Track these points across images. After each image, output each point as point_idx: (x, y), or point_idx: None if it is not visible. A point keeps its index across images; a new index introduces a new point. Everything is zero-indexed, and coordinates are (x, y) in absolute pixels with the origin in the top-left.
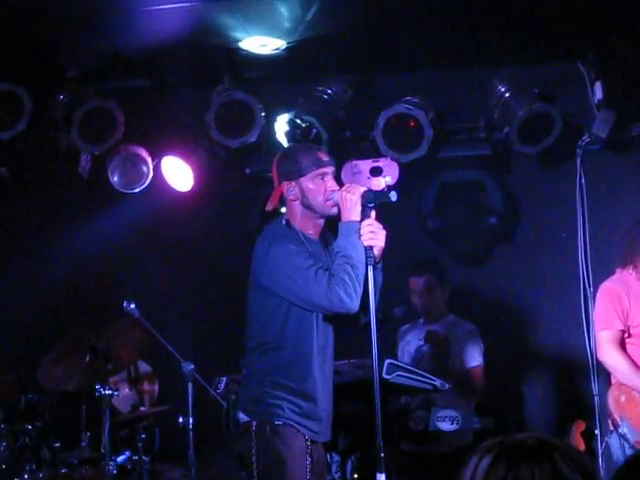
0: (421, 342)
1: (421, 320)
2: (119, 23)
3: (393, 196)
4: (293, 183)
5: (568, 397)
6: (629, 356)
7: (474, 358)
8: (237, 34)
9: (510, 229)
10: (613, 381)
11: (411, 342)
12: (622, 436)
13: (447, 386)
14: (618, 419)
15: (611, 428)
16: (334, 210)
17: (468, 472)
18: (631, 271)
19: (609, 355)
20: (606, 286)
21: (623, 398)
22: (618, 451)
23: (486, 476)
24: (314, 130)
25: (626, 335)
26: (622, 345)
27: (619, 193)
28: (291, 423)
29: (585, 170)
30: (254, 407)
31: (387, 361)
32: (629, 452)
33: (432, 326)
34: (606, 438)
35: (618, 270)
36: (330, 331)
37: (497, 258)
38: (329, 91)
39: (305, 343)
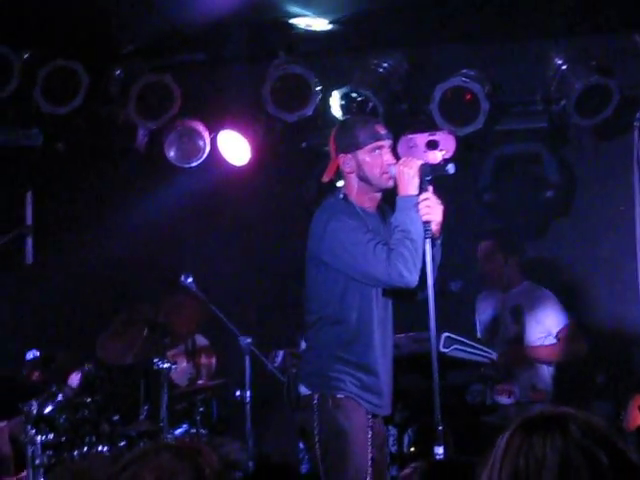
0: (496, 311)
1: (494, 291)
2: None
3: (451, 168)
4: (350, 156)
5: (628, 370)
6: None
7: (559, 320)
8: (293, 9)
9: (567, 202)
10: None
11: (487, 309)
12: None
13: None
14: None
15: None
16: (390, 183)
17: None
18: None
19: None
20: None
21: None
22: None
23: (505, 448)
24: (370, 104)
25: None
26: None
27: None
28: (353, 396)
29: None
30: (316, 380)
31: (444, 334)
32: None
33: (501, 296)
34: None
35: None
36: (389, 305)
37: (554, 231)
38: (385, 64)
39: (365, 317)
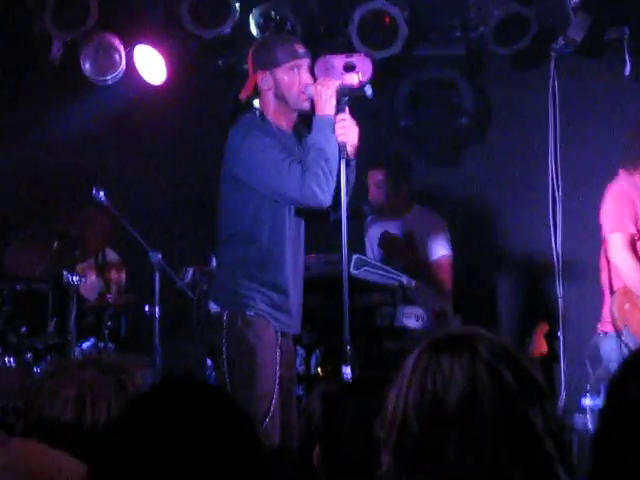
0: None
1: (389, 216)
2: None
3: (368, 90)
4: (267, 73)
5: (534, 299)
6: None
7: (440, 248)
8: None
9: (481, 130)
10: (616, 287)
11: (374, 238)
12: (625, 344)
13: (413, 282)
14: (621, 326)
15: (605, 330)
16: (307, 104)
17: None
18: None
19: (620, 257)
20: (616, 187)
21: (627, 306)
22: (613, 353)
23: (413, 366)
24: (288, 23)
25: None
26: (634, 249)
27: (591, 96)
28: (262, 314)
29: (558, 73)
30: (226, 298)
31: (355, 256)
32: None
33: (392, 223)
34: (595, 338)
35: (622, 171)
36: (301, 225)
37: (467, 159)
38: None
39: (278, 236)
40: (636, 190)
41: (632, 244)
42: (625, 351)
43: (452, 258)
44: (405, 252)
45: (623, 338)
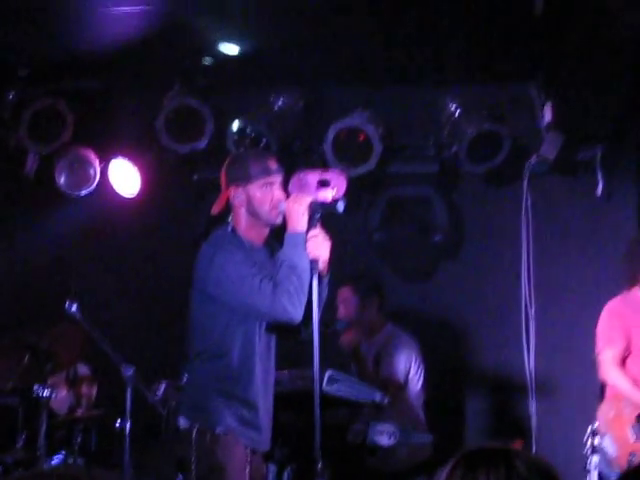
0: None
1: (363, 340)
2: (71, 23)
3: (340, 206)
4: (240, 189)
5: (506, 416)
6: (628, 373)
7: (392, 367)
8: (191, 41)
9: (455, 247)
10: (606, 395)
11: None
12: (600, 450)
13: (386, 400)
14: (600, 432)
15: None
16: (279, 220)
17: None
18: (634, 287)
19: (610, 374)
20: (609, 305)
21: (612, 414)
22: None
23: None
24: (264, 139)
25: (626, 352)
26: (623, 362)
27: (564, 216)
28: (232, 431)
29: (532, 191)
30: (195, 414)
31: (328, 373)
32: (605, 469)
33: (364, 344)
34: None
35: (625, 291)
36: (272, 340)
37: (441, 275)
38: (280, 101)
39: (247, 351)
40: (631, 303)
41: (621, 358)
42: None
43: (420, 375)
44: (372, 375)
45: (598, 443)
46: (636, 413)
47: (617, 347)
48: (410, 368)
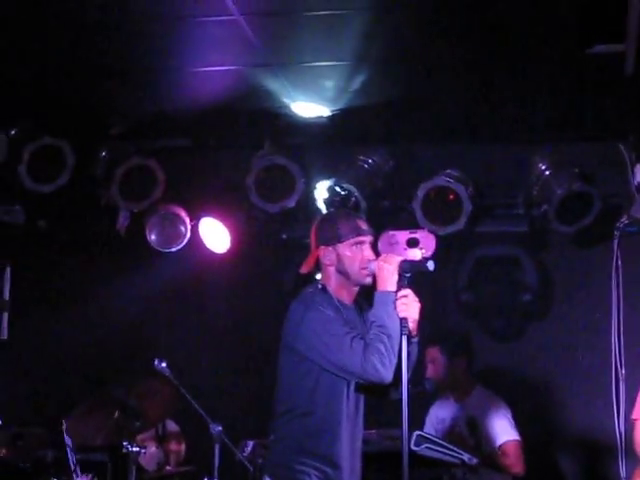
0: (446, 420)
1: (451, 398)
2: (163, 81)
3: (430, 265)
4: (330, 248)
5: (596, 479)
6: None
7: (505, 433)
8: (281, 99)
9: (544, 307)
10: None
11: (445, 419)
12: None
13: (475, 461)
14: None
15: None
16: (369, 280)
17: None
18: None
19: (636, 448)
20: None
21: None
22: None
23: None
24: (353, 198)
25: None
26: None
27: None
28: None
29: (622, 252)
30: (280, 472)
31: (416, 433)
32: None
33: (454, 405)
34: None
35: None
36: (361, 400)
37: (530, 336)
38: (370, 160)
39: (334, 410)
40: None
41: None
42: None
43: (519, 442)
44: (467, 443)
45: None
46: None
47: None
48: (507, 433)
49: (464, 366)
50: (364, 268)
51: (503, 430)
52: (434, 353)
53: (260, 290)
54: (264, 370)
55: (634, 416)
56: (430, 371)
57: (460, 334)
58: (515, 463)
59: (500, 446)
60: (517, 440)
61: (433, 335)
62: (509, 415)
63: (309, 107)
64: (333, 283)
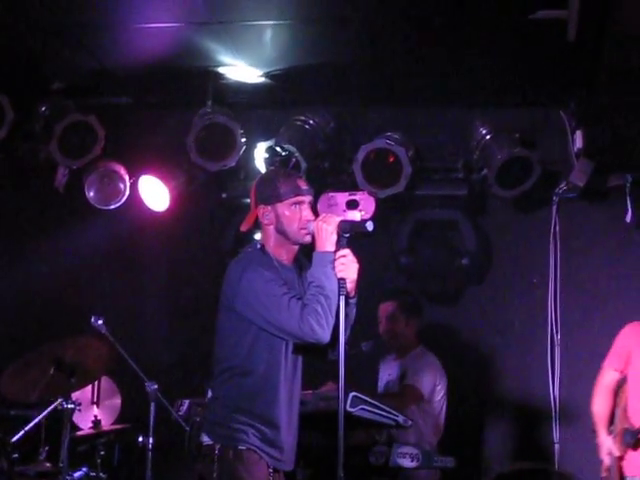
0: (390, 377)
1: (393, 355)
2: (105, 38)
3: (369, 226)
4: (269, 208)
5: (529, 443)
6: (614, 401)
7: (416, 381)
8: (223, 59)
9: (482, 271)
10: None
11: (382, 378)
12: None
13: (409, 422)
14: None
15: None
16: (307, 239)
17: None
18: None
19: (595, 392)
20: (625, 327)
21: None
22: None
23: None
24: (293, 159)
25: (629, 375)
26: (617, 384)
27: (592, 242)
28: (254, 449)
29: (560, 218)
30: (218, 431)
31: (352, 394)
32: None
33: (395, 363)
34: None
35: None
36: (299, 361)
37: (467, 298)
38: (311, 121)
39: (273, 370)
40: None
41: (615, 380)
42: None
43: (419, 393)
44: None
45: None
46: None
47: (611, 367)
48: (434, 389)
49: (416, 325)
50: (303, 228)
51: (421, 380)
52: (391, 309)
53: (199, 249)
54: (201, 330)
55: (604, 364)
56: (383, 326)
57: (414, 293)
58: (400, 404)
59: (405, 385)
60: (418, 390)
61: (388, 291)
62: (438, 376)
63: (250, 67)
64: (272, 243)
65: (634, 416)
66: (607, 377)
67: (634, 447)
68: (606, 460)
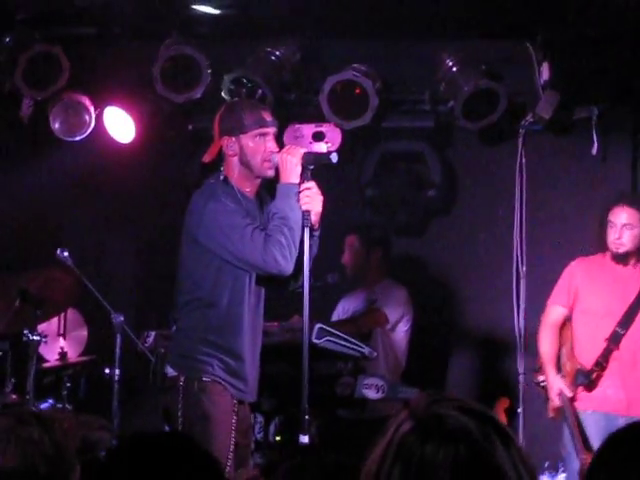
0: (358, 308)
1: (358, 290)
2: None
3: (334, 157)
4: (233, 139)
5: (494, 374)
6: (558, 339)
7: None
8: None
9: (448, 203)
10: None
11: (349, 309)
12: None
13: (375, 354)
14: None
15: None
16: (271, 172)
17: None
18: (606, 253)
19: (540, 330)
20: (570, 264)
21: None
22: None
23: (397, 449)
24: (259, 90)
25: (576, 313)
26: (563, 322)
27: (558, 175)
28: (219, 380)
29: (526, 149)
30: (183, 362)
31: (317, 325)
32: None
33: (360, 294)
34: None
35: (594, 254)
36: (262, 292)
37: (433, 230)
38: (277, 53)
39: (237, 302)
40: (591, 265)
41: (561, 317)
42: None
43: (384, 317)
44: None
45: None
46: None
47: (557, 304)
48: (401, 319)
49: (379, 256)
50: (267, 160)
51: (388, 307)
52: (352, 241)
53: (165, 181)
54: (168, 261)
55: (548, 301)
56: (346, 258)
57: (380, 226)
58: (364, 324)
59: (371, 308)
60: (384, 314)
61: (351, 224)
62: (406, 309)
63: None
64: (235, 174)
65: (582, 355)
66: (554, 314)
67: (587, 388)
68: (556, 400)
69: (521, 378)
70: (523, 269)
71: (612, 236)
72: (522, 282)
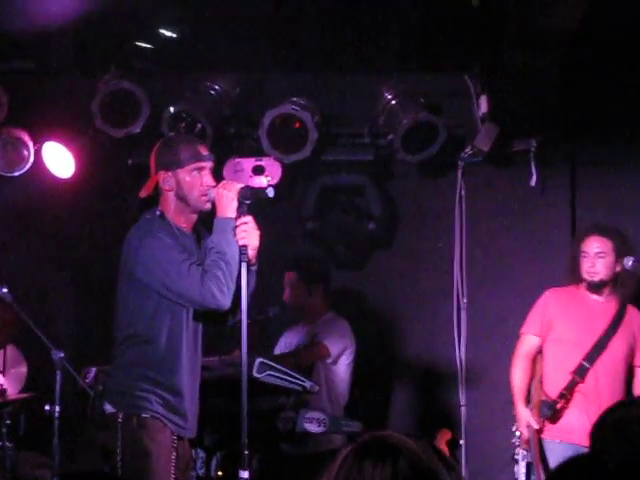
0: (300, 342)
1: (301, 324)
2: (6, 2)
3: (270, 192)
4: (170, 173)
5: (435, 406)
6: (530, 370)
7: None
8: (128, 23)
9: (388, 236)
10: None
11: (291, 343)
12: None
13: (317, 388)
14: None
15: None
16: (208, 206)
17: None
18: (580, 285)
19: (513, 360)
20: (544, 293)
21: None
22: None
23: (338, 469)
24: (199, 124)
25: (547, 342)
26: (536, 351)
27: (497, 206)
28: (158, 416)
29: (465, 182)
30: (121, 399)
31: (258, 360)
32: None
33: (303, 329)
34: None
35: (567, 286)
36: (199, 328)
37: (374, 264)
38: (216, 87)
39: (175, 337)
40: (564, 296)
41: (534, 346)
42: None
43: (326, 350)
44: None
45: None
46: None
47: (536, 334)
48: (343, 352)
49: (321, 291)
50: (204, 195)
51: (330, 340)
52: (291, 277)
53: (105, 216)
54: (107, 297)
55: (521, 331)
56: (286, 295)
57: (320, 262)
58: (306, 357)
59: (313, 341)
60: (326, 347)
61: (291, 261)
62: (349, 342)
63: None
64: (172, 209)
65: (549, 386)
66: (527, 344)
67: (551, 419)
68: (525, 432)
69: (463, 410)
70: (464, 300)
71: (586, 265)
72: (463, 314)
